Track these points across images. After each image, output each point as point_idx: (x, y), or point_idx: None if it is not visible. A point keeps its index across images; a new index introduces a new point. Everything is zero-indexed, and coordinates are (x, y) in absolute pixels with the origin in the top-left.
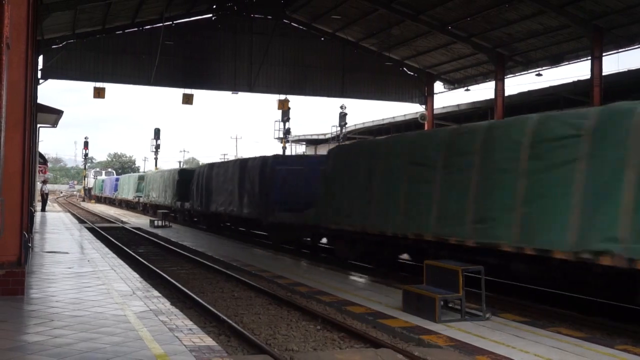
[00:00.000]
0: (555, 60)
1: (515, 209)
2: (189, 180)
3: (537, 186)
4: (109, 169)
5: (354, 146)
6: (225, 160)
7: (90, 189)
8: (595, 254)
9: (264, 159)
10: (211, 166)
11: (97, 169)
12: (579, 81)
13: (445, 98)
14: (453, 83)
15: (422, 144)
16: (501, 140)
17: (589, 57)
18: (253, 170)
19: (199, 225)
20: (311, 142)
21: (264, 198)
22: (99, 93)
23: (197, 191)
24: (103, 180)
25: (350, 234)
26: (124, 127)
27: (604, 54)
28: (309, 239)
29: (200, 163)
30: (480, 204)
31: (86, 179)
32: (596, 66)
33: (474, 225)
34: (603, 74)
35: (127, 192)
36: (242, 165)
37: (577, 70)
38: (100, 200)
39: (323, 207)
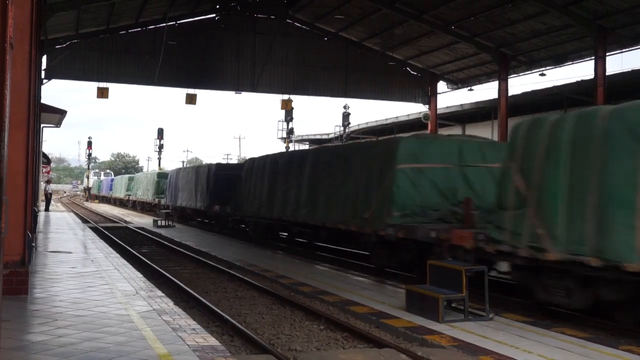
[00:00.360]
0: (558, 60)
1: (314, 201)
2: (165, 181)
3: (319, 188)
4: (107, 170)
5: (256, 159)
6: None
7: (89, 189)
8: (332, 222)
9: (209, 166)
10: (178, 170)
11: (97, 170)
12: (582, 81)
13: (449, 98)
14: (456, 83)
15: (280, 160)
16: (309, 159)
17: (593, 57)
18: (203, 174)
19: (172, 217)
20: (314, 142)
21: (208, 195)
22: (102, 93)
23: (169, 190)
24: (101, 181)
25: (254, 219)
26: (127, 127)
27: (607, 54)
28: (243, 225)
29: (203, 163)
30: (306, 199)
31: (88, 179)
32: (600, 66)
33: (303, 210)
34: (607, 73)
35: (120, 191)
36: (197, 170)
37: (581, 70)
38: (98, 198)
39: (240, 201)
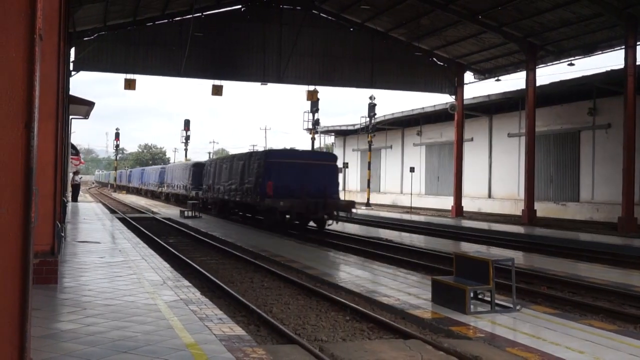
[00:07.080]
0: (588, 49)
1: (242, 183)
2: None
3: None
4: (99, 169)
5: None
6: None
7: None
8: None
9: (191, 163)
10: (172, 165)
11: (98, 169)
12: (612, 71)
13: (476, 88)
14: (483, 73)
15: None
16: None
17: (623, 46)
18: (187, 168)
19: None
20: (340, 132)
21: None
22: (129, 84)
23: (167, 179)
24: (120, 173)
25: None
26: (155, 118)
27: (638, 43)
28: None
29: (229, 154)
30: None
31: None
32: (630, 55)
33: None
34: (637, 63)
35: (136, 181)
36: (184, 165)
37: (611, 60)
38: (124, 189)
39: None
